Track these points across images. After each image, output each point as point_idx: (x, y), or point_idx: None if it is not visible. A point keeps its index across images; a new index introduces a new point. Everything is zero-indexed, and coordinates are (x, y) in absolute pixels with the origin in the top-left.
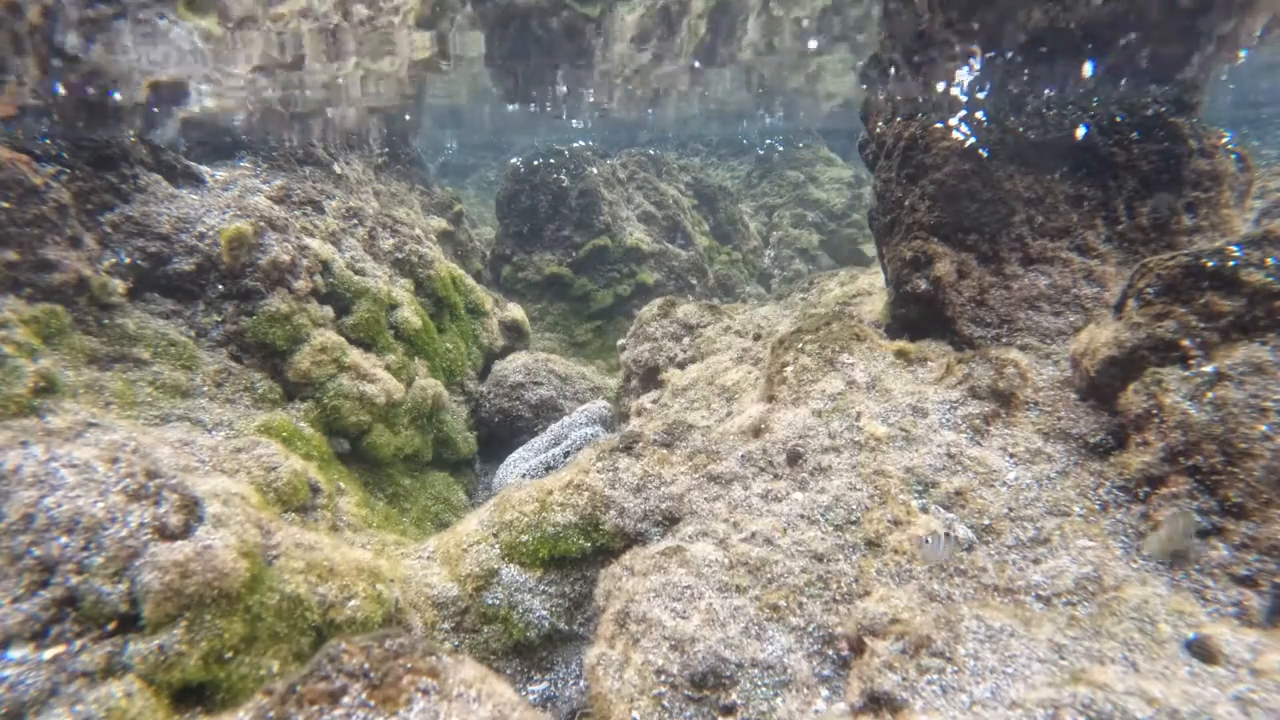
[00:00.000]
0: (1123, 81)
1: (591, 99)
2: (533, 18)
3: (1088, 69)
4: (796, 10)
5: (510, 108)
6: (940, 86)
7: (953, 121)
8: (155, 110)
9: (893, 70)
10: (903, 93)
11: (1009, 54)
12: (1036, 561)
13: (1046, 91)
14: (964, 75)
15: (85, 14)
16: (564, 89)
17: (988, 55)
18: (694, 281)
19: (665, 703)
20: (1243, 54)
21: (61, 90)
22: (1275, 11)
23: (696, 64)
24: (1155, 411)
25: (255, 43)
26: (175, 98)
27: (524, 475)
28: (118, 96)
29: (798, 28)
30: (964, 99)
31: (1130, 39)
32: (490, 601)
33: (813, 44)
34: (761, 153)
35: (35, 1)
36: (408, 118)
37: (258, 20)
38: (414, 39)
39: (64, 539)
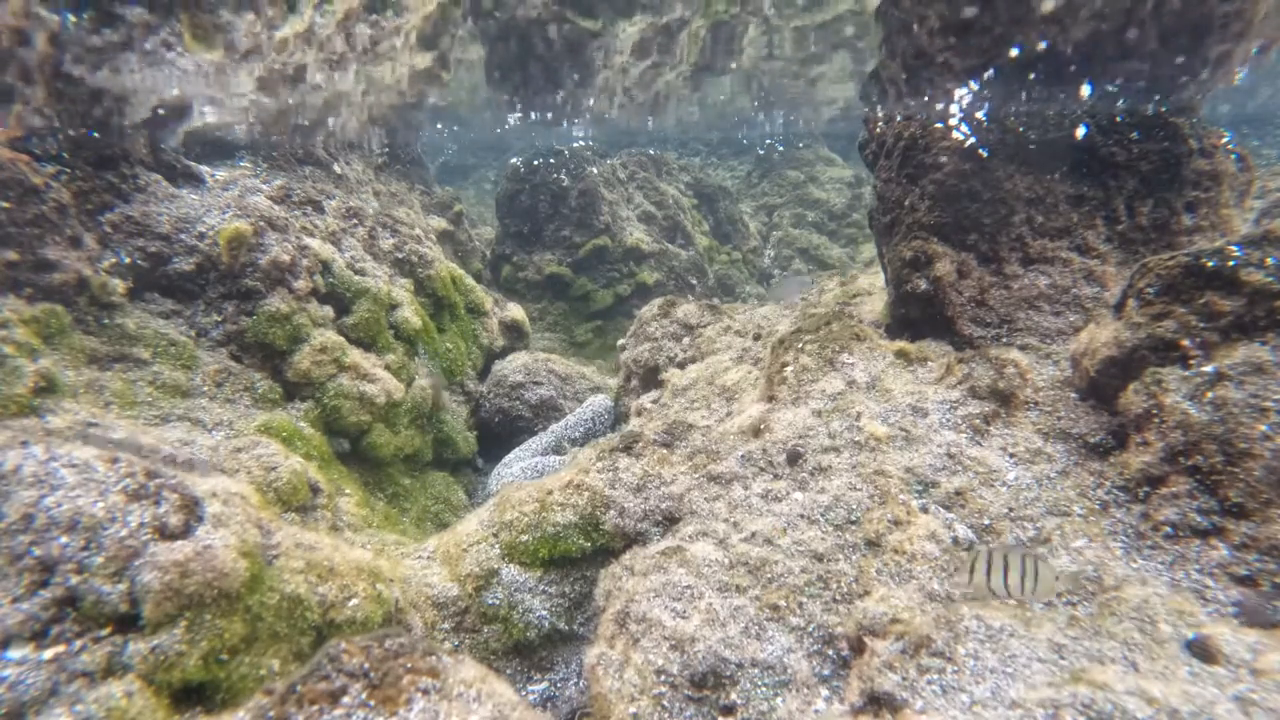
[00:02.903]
0: (1119, 103)
1: (592, 104)
2: (533, 31)
3: (1085, 91)
4: (796, 20)
5: (511, 118)
6: (939, 106)
7: (953, 121)
8: (159, 129)
9: (892, 90)
10: (902, 111)
11: (1007, 75)
12: None
13: (1046, 113)
14: (963, 94)
15: (92, 42)
16: (564, 99)
17: (986, 76)
18: (694, 281)
19: (665, 702)
20: (1239, 75)
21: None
22: (1270, 36)
23: (696, 72)
24: (1155, 411)
25: (258, 61)
26: (179, 115)
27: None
28: (123, 117)
29: (798, 34)
30: (963, 116)
31: (1128, 63)
32: (490, 601)
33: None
34: (761, 153)
35: (42, 30)
36: (410, 132)
37: (262, 52)
38: (415, 60)
39: (64, 539)
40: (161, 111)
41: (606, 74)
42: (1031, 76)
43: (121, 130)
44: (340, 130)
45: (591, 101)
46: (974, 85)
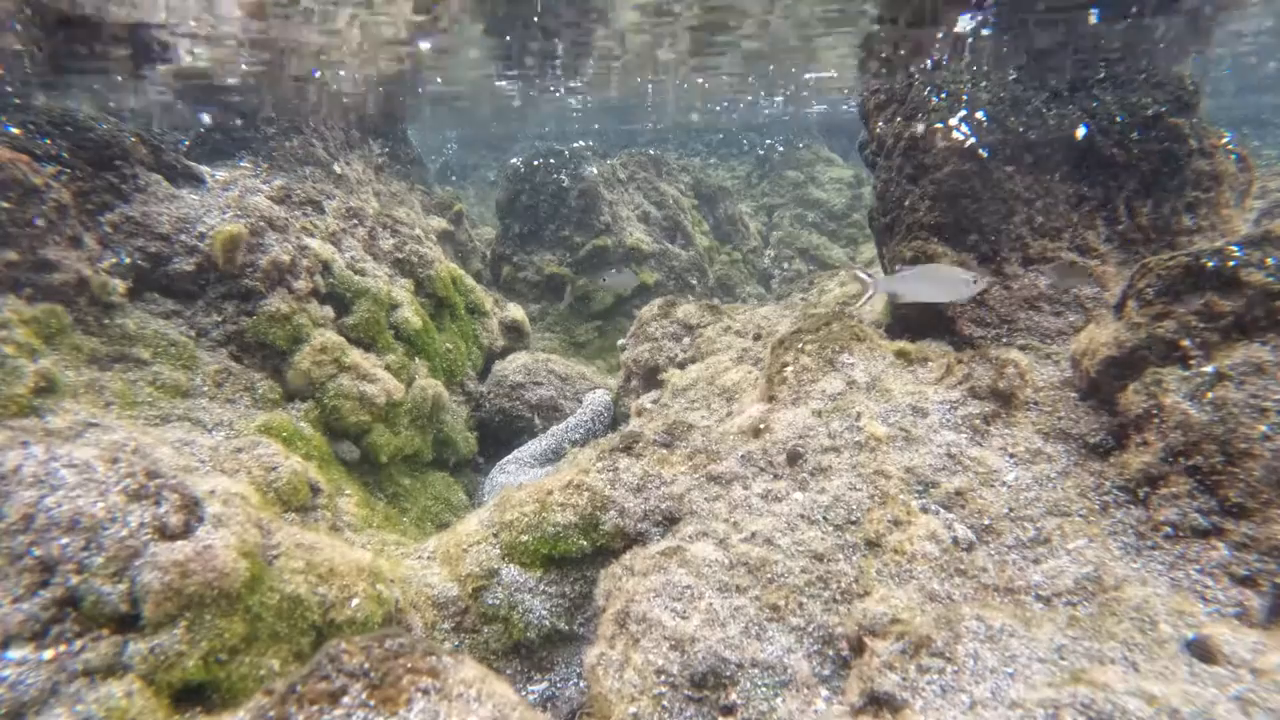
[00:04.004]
0: (1127, 20)
1: (592, 69)
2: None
3: (1093, 18)
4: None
5: (509, 76)
6: (940, 36)
7: (953, 121)
8: (142, 49)
9: (893, 24)
10: (905, 46)
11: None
12: (1036, 561)
13: (1046, 113)
14: (966, 22)
15: None
16: (562, 61)
17: (989, 2)
18: (694, 281)
19: (665, 702)
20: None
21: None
22: None
23: (693, 47)
24: (1155, 411)
25: None
26: (163, 46)
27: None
28: (104, 16)
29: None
30: (969, 39)
31: None
32: (490, 601)
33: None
34: (761, 153)
35: None
36: (403, 102)
37: None
38: (410, 17)
39: (64, 539)
40: (142, 33)
41: (604, 34)
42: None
43: (100, 31)
44: (335, 85)
45: (591, 63)
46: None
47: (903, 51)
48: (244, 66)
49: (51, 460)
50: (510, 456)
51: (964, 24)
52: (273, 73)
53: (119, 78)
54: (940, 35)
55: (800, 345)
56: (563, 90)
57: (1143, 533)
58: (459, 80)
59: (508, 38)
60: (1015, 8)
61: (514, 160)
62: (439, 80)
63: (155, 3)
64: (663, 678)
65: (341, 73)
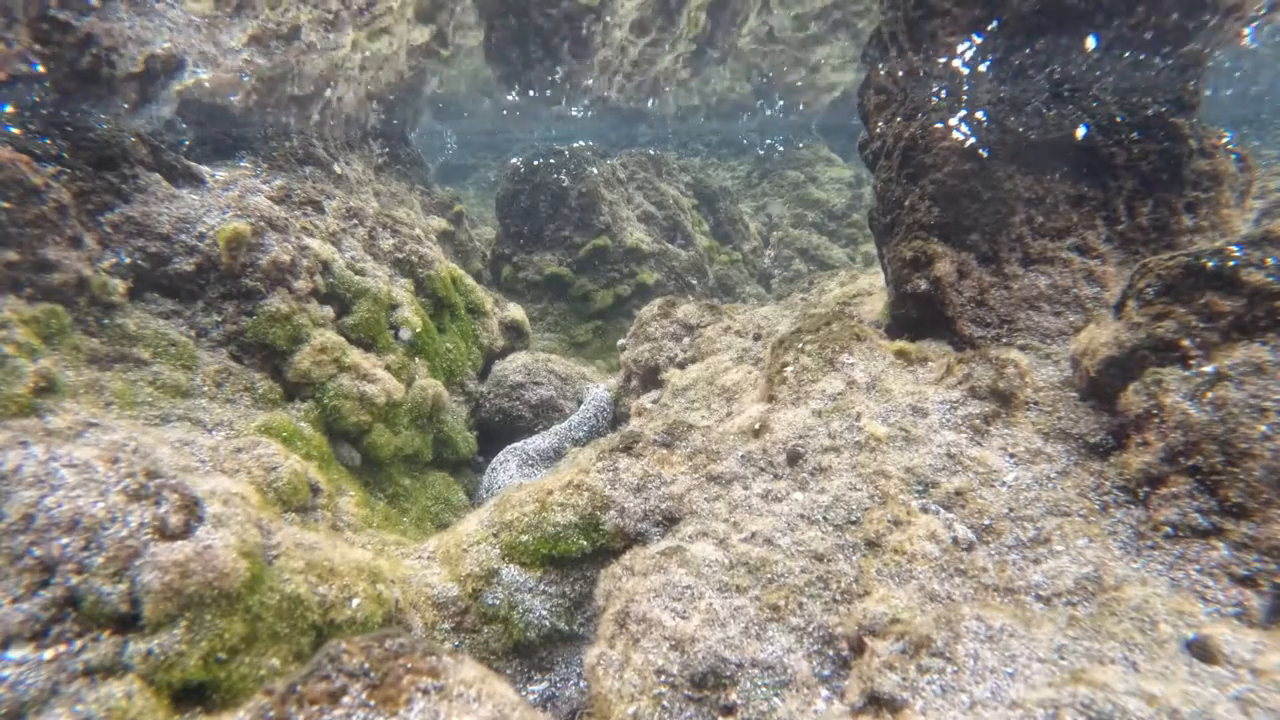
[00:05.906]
0: (1126, 54)
1: (590, 84)
2: (533, 6)
3: (1090, 42)
4: (797, 8)
5: (510, 96)
6: (942, 60)
7: (953, 121)
8: (149, 84)
9: (894, 46)
10: (904, 67)
11: (1011, 26)
12: (1036, 561)
13: (1049, 70)
14: (965, 48)
15: None
16: (562, 75)
17: (990, 27)
18: (694, 282)
19: (665, 702)
20: (1248, 34)
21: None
22: None
23: (695, 52)
24: (1155, 411)
25: (250, 16)
26: (170, 70)
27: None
28: (113, 68)
29: (799, 21)
30: (965, 71)
31: (1135, 9)
32: (490, 601)
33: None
34: (761, 153)
35: None
36: (405, 114)
37: (254, 6)
38: (413, 35)
39: (64, 539)
40: (153, 65)
41: (605, 53)
42: (1036, 27)
43: (111, 82)
44: (338, 104)
45: (590, 81)
46: (977, 39)
47: (907, 90)
48: (247, 87)
49: (51, 460)
50: (513, 446)
51: (962, 52)
52: (276, 94)
53: (126, 106)
54: (941, 61)
55: (800, 345)
56: (564, 102)
57: (1143, 533)
58: (460, 89)
59: (511, 58)
60: (1010, 48)
61: (514, 160)
62: (440, 89)
63: (159, 30)
64: (663, 678)
65: (344, 96)
